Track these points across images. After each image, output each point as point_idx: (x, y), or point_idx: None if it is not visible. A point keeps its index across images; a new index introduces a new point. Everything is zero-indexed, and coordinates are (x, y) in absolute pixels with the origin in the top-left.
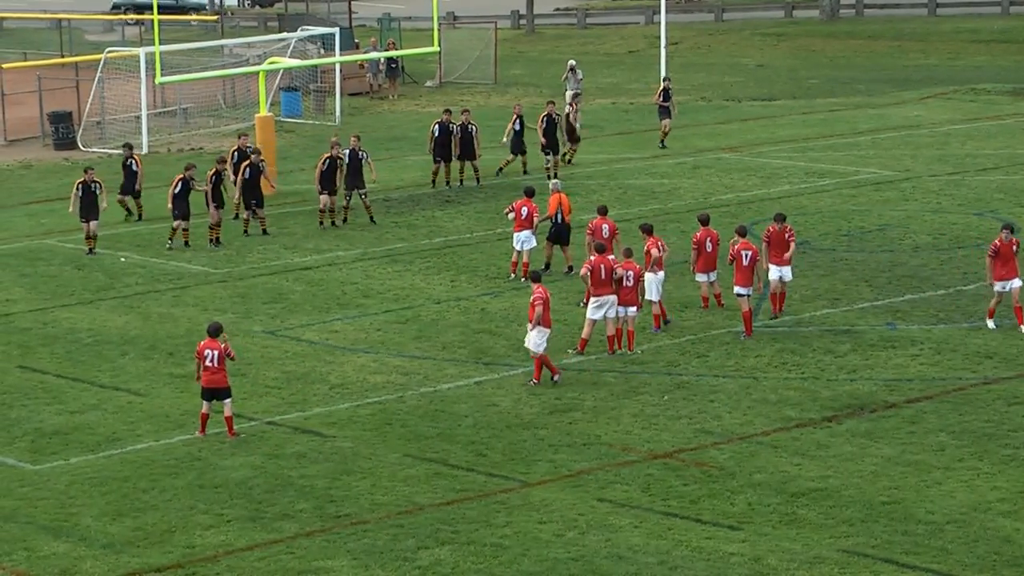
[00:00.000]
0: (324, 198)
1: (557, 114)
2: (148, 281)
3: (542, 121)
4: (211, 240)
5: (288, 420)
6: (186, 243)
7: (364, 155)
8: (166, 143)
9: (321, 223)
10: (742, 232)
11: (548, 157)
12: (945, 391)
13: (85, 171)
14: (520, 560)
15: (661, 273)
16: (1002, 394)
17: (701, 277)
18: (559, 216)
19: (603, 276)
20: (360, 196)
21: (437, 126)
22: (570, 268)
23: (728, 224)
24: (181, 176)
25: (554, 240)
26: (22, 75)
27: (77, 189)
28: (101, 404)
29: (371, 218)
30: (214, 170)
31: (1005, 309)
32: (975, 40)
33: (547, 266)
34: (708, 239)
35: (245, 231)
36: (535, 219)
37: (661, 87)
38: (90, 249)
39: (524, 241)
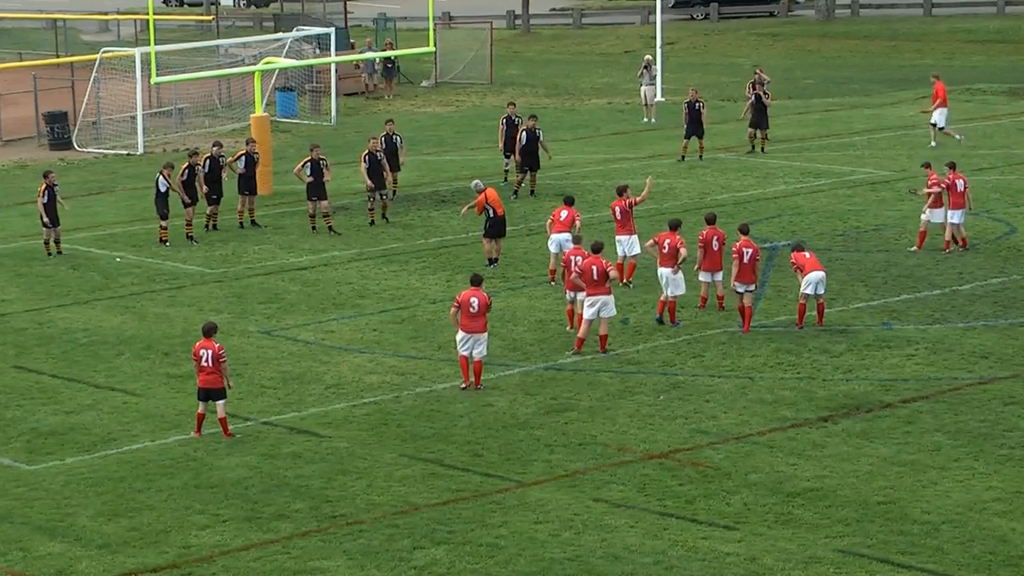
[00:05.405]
0: (313, 204)
1: (518, 116)
2: (144, 281)
3: (502, 123)
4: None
5: (284, 420)
6: (214, 226)
7: (381, 156)
8: (162, 143)
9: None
10: (744, 230)
11: (507, 160)
12: (941, 391)
13: (45, 175)
14: (516, 560)
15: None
16: (998, 394)
17: (704, 276)
18: (491, 211)
19: (596, 276)
20: (382, 196)
21: (524, 134)
22: (492, 260)
23: (723, 225)
24: (187, 165)
25: (492, 235)
26: (18, 75)
27: (42, 195)
28: (97, 404)
29: (384, 216)
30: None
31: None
32: (971, 40)
33: (491, 261)
34: (715, 238)
35: (206, 226)
36: (576, 224)
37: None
38: (56, 252)
39: (563, 243)
